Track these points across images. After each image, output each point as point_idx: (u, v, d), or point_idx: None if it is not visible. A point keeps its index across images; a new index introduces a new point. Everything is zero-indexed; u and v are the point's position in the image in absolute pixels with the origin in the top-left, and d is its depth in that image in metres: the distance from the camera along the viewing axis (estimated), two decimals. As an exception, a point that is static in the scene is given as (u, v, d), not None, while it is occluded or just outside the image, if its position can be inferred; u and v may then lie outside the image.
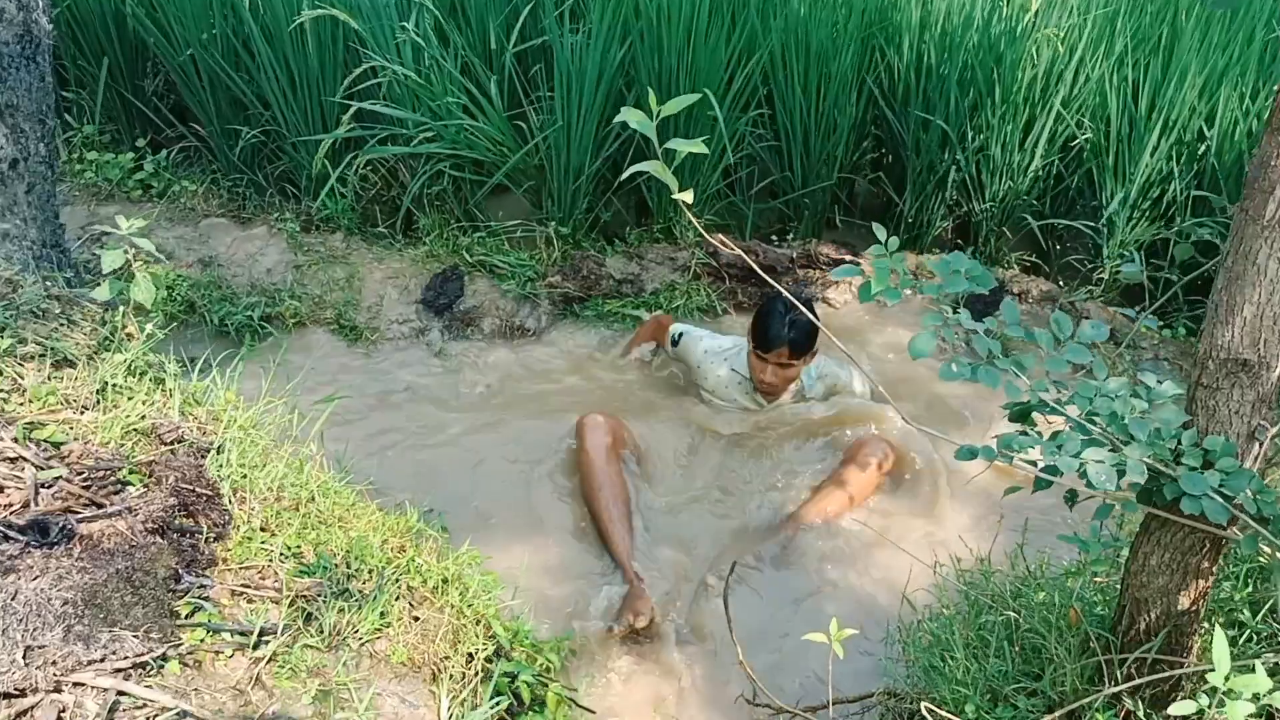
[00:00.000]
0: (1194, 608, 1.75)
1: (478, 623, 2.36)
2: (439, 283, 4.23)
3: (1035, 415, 1.71)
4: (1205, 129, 3.99)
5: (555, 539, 3.16)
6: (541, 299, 4.33)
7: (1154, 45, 4.17)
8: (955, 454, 1.65)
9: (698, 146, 1.31)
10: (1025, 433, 1.63)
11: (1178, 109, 3.98)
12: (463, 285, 4.24)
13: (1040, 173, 4.30)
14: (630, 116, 1.33)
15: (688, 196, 1.42)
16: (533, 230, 4.51)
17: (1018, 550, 2.34)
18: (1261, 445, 1.58)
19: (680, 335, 3.65)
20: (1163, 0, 4.42)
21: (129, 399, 2.26)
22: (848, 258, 4.47)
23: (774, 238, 4.72)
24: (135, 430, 2.19)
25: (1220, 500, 1.51)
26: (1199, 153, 4.03)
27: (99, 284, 2.27)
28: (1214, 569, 1.73)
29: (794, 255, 4.44)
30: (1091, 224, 4.24)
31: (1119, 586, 1.88)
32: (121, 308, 2.38)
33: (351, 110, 4.22)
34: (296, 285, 4.22)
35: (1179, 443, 1.58)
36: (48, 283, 2.39)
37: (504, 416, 3.69)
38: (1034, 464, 1.63)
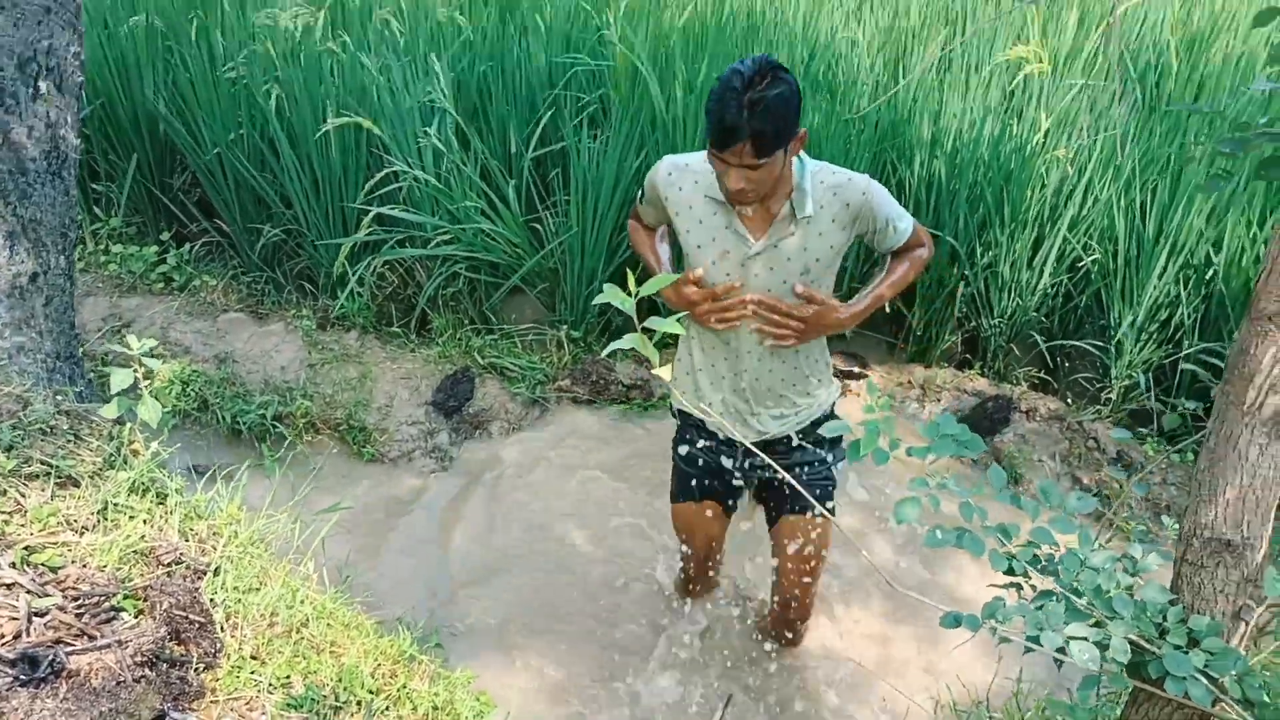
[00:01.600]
0: (1184, 781, 1.72)
1: (468, 751, 2.35)
2: (450, 384, 4.27)
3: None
4: (1212, 254, 4.01)
5: (554, 658, 3.14)
6: (550, 402, 4.36)
7: (1162, 167, 4.21)
8: (940, 621, 1.65)
9: (674, 327, 1.34)
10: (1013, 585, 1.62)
11: (1185, 234, 4.01)
12: (473, 388, 4.28)
13: (1049, 291, 4.32)
14: (612, 296, 1.37)
15: (665, 373, 1.44)
16: (544, 333, 4.56)
17: (1014, 700, 2.31)
18: (1247, 625, 1.57)
19: (642, 190, 2.58)
20: (1171, 124, 4.49)
21: (130, 518, 2.29)
22: (856, 369, 4.49)
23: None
24: (134, 552, 2.21)
25: (1205, 682, 1.50)
26: (1207, 277, 4.05)
27: (108, 400, 2.31)
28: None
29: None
30: (1100, 343, 4.25)
31: None
32: (129, 423, 2.42)
33: (372, 214, 4.31)
34: (309, 384, 4.27)
35: (1165, 618, 1.57)
36: (58, 397, 2.44)
37: (508, 524, 3.69)
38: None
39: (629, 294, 1.37)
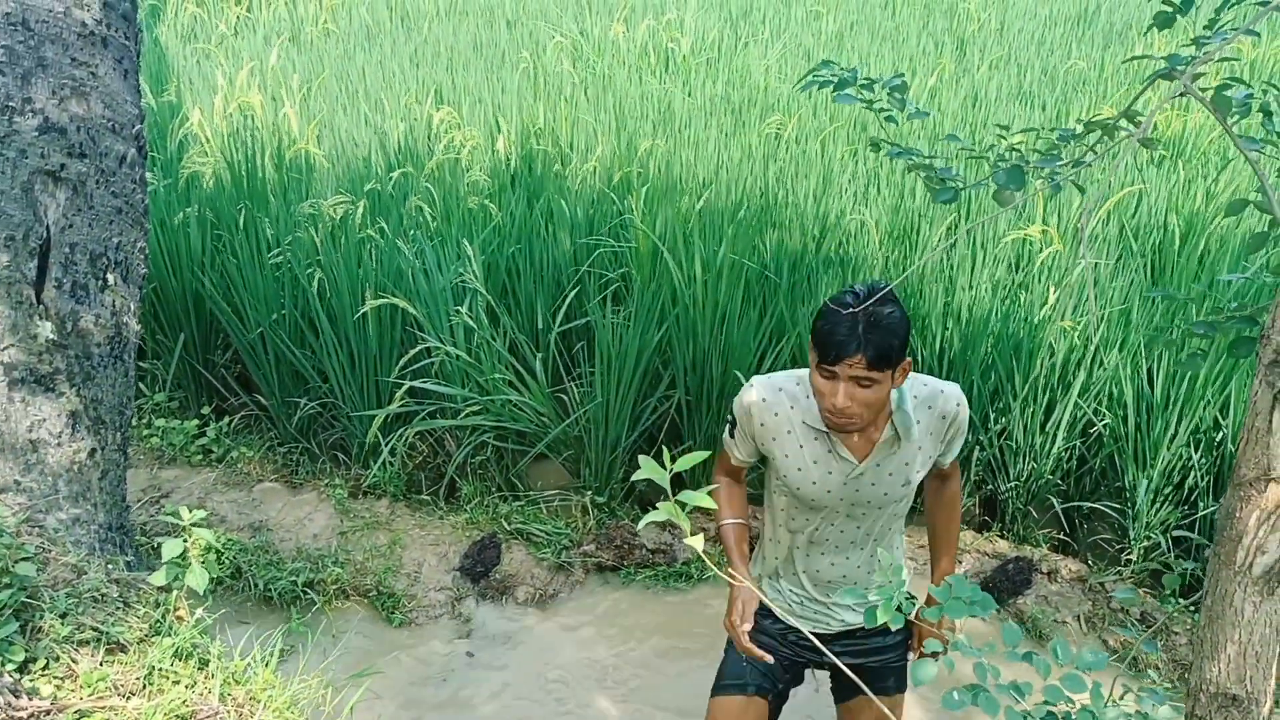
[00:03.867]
0: None
1: None
2: (477, 551, 4.35)
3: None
4: (1220, 418, 4.12)
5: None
6: (575, 567, 4.42)
7: (1167, 339, 4.37)
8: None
9: (706, 500, 1.46)
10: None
11: (1193, 401, 4.13)
12: (499, 553, 4.36)
13: (1063, 454, 4.42)
14: (646, 470, 1.49)
15: (698, 543, 1.56)
16: (569, 499, 4.67)
17: None
18: (1260, 782, 1.62)
19: (731, 420, 2.49)
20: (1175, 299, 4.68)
21: (174, 683, 2.37)
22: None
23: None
24: (177, 717, 2.28)
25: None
26: (1216, 440, 4.15)
27: (156, 567, 2.42)
28: None
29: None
30: (1116, 505, 4.31)
31: None
32: (175, 591, 2.52)
33: (405, 388, 4.50)
34: (340, 551, 4.37)
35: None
36: (109, 567, 2.55)
37: (530, 693, 3.72)
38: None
39: (664, 468, 1.49)
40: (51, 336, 2.70)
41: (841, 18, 10.06)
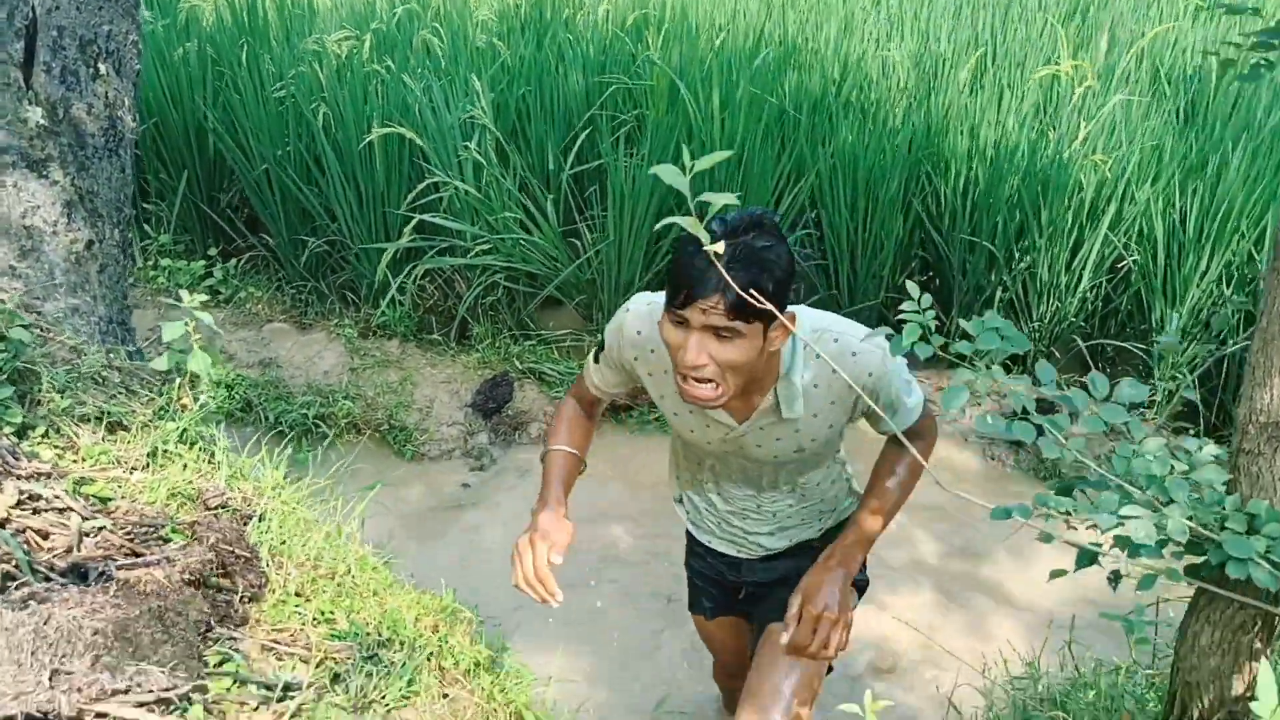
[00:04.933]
0: (1249, 693, 1.67)
1: (510, 710, 2.32)
2: (489, 388, 4.29)
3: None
4: (1254, 252, 3.99)
5: (593, 648, 3.11)
6: (588, 408, 4.37)
7: (1198, 168, 4.22)
8: (990, 514, 1.63)
9: (730, 198, 1.36)
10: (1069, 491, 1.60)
11: (1227, 236, 3.99)
12: (512, 390, 4.30)
13: (1088, 294, 4.31)
14: (665, 175, 1.39)
15: (719, 248, 1.46)
16: (582, 340, 4.59)
17: (1066, 648, 2.26)
18: (1309, 512, 1.54)
19: (600, 347, 2.06)
20: (1209, 133, 4.50)
21: (179, 463, 2.31)
22: (895, 375, 4.47)
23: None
24: (181, 494, 2.23)
25: (1268, 567, 1.47)
26: (1248, 278, 4.02)
27: (159, 355, 2.35)
28: (1268, 650, 1.65)
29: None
30: (1142, 345, 4.21)
31: (1170, 672, 1.81)
32: (178, 379, 2.46)
33: (414, 222, 4.39)
34: (351, 387, 4.31)
35: (1222, 508, 1.54)
36: (110, 355, 2.48)
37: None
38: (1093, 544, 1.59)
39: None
40: (42, 122, 2.59)
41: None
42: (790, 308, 1.76)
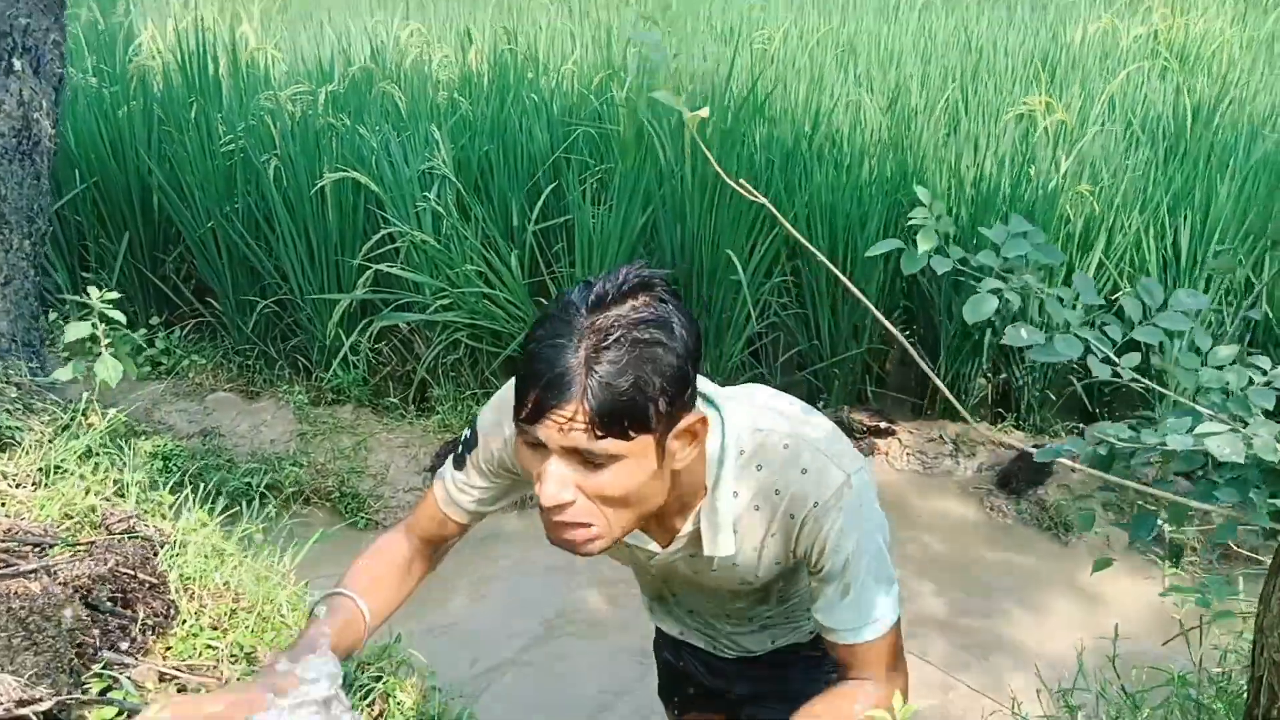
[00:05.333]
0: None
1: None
2: (449, 451, 3.97)
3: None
4: (1252, 277, 3.81)
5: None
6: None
7: (1185, 196, 4.08)
8: (1037, 455, 1.37)
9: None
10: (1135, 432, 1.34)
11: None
12: (474, 452, 3.98)
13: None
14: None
15: (704, 112, 1.21)
16: (550, 399, 4.30)
17: (1109, 663, 1.94)
18: None
19: (468, 444, 1.49)
20: (1190, 168, 4.39)
21: (79, 484, 1.99)
22: (883, 424, 4.21)
23: (804, 410, 4.49)
24: (80, 515, 1.90)
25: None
26: (1247, 304, 3.83)
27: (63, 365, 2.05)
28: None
29: (827, 423, 4.20)
30: (1142, 381, 3.98)
31: (1248, 660, 1.51)
32: (85, 394, 2.15)
33: (370, 272, 4.13)
34: (300, 454, 3.99)
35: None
36: (9, 371, 2.18)
37: (498, 593, 3.37)
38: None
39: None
40: (-59, 120, 2.35)
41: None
42: (726, 392, 1.29)
